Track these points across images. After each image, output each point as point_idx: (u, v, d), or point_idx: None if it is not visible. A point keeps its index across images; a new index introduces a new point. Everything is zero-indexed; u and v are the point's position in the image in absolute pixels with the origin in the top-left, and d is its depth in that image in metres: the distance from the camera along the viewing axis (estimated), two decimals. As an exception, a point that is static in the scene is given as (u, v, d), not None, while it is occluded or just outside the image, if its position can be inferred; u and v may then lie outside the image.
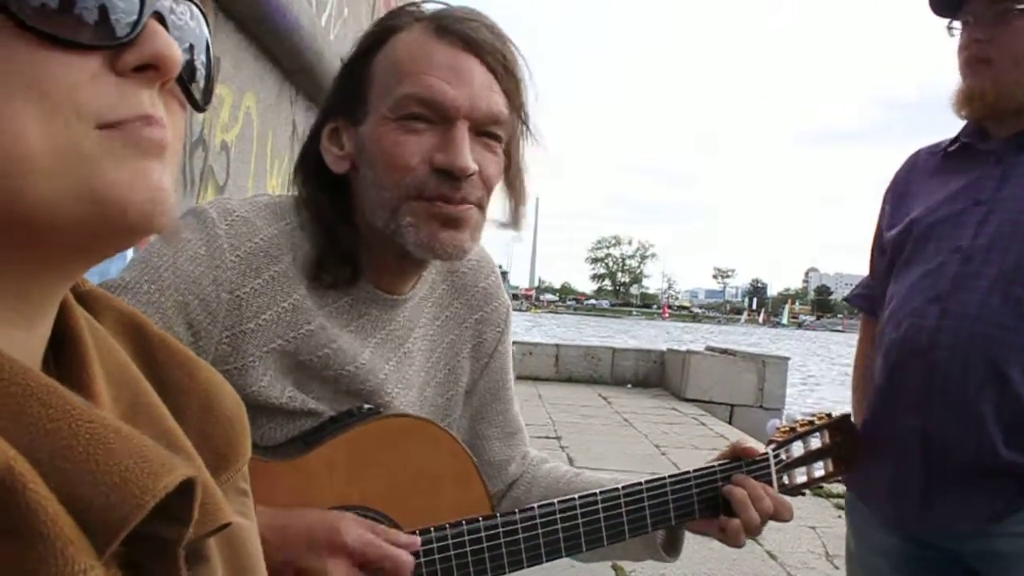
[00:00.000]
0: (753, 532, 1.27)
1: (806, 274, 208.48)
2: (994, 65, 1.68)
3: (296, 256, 1.12)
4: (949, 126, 1.86)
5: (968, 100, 1.74)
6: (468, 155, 1.07)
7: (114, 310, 0.59)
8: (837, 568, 4.47)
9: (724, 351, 13.04)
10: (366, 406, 1.16)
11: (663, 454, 7.80)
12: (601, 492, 1.22)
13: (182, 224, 1.08)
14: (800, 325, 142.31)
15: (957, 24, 1.75)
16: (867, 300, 1.99)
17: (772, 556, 4.64)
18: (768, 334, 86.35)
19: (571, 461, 6.91)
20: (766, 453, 1.33)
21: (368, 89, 1.12)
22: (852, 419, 1.58)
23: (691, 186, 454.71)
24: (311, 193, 1.16)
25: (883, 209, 1.97)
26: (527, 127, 1.17)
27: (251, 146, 3.15)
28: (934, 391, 1.61)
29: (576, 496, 1.20)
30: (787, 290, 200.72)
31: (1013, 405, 1.56)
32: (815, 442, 1.42)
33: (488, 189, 1.13)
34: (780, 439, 1.38)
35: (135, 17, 0.45)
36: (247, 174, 3.13)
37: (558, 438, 8.03)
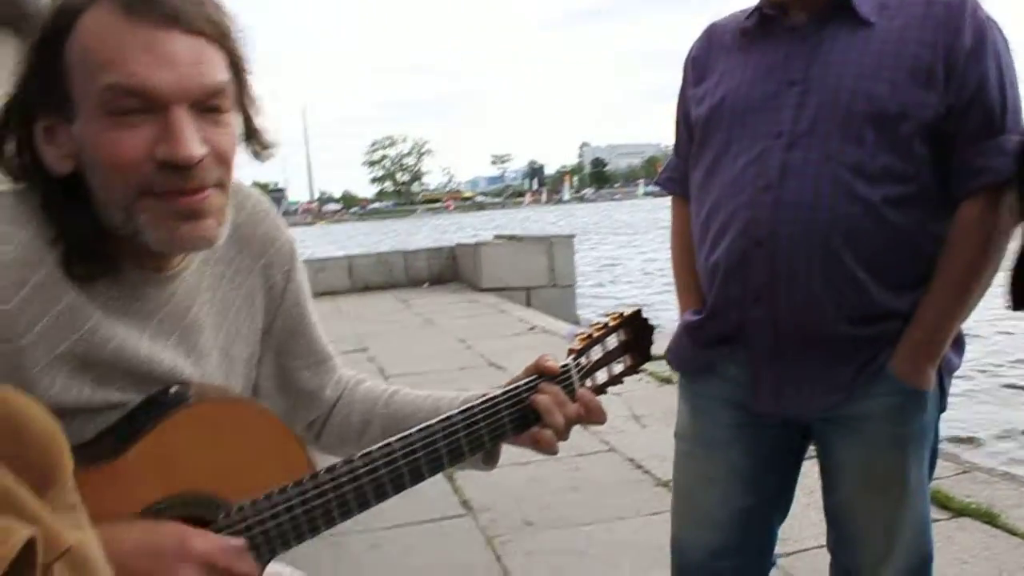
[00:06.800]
0: (561, 436, 1.32)
1: (580, 149, 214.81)
2: None
3: (56, 256, 1.03)
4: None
5: None
6: (192, 142, 0.99)
7: None
8: (644, 427, 4.84)
9: (511, 237, 13.40)
10: (172, 389, 1.12)
11: (468, 347, 8.01)
12: (418, 431, 1.23)
13: None
14: (582, 199, 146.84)
15: None
16: (678, 183, 1.95)
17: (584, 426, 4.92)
18: (553, 211, 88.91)
19: (381, 371, 6.98)
20: (567, 364, 1.38)
21: (67, 82, 1.00)
22: (644, 312, 1.58)
23: (455, 80, 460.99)
24: (43, 196, 1.04)
25: (684, 87, 1.91)
26: (244, 83, 1.09)
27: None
28: (778, 281, 1.64)
29: (395, 439, 1.21)
30: (564, 167, 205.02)
31: (851, 287, 1.62)
32: (612, 342, 1.49)
33: (227, 164, 1.07)
34: (579, 346, 1.43)
35: None
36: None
37: (364, 350, 8.06)
